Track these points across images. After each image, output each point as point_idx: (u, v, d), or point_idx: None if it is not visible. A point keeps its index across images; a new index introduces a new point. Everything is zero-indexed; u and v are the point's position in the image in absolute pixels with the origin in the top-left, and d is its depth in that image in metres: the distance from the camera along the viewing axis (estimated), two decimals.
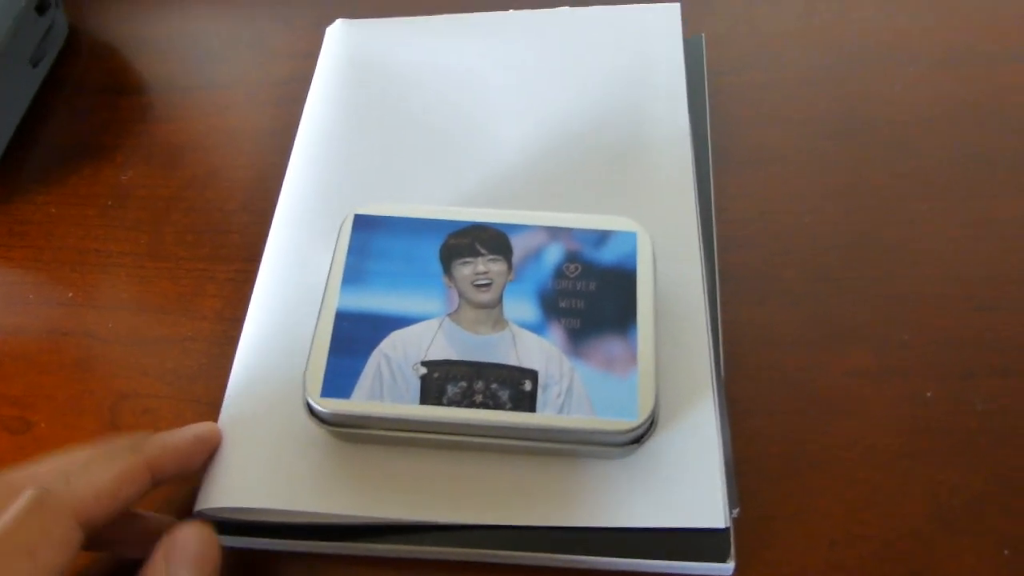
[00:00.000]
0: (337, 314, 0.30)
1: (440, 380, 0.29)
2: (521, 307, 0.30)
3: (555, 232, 0.32)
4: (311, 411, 0.29)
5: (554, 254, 0.31)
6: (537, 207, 0.33)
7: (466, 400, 0.28)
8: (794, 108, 0.42)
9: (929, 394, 0.33)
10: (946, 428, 0.32)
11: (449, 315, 0.30)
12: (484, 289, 0.31)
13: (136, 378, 0.37)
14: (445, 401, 0.28)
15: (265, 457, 0.31)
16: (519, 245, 0.32)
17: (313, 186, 0.39)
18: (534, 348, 0.29)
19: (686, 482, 0.29)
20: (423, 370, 0.29)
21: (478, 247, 0.32)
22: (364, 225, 0.32)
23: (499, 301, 0.30)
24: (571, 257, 0.31)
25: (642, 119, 0.39)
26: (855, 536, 0.30)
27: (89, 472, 0.27)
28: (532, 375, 0.29)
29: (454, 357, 0.29)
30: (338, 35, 0.45)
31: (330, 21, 0.49)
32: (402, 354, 0.29)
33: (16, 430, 0.36)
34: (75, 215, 0.43)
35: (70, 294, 0.40)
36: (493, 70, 0.42)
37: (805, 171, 0.39)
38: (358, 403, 0.29)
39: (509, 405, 0.28)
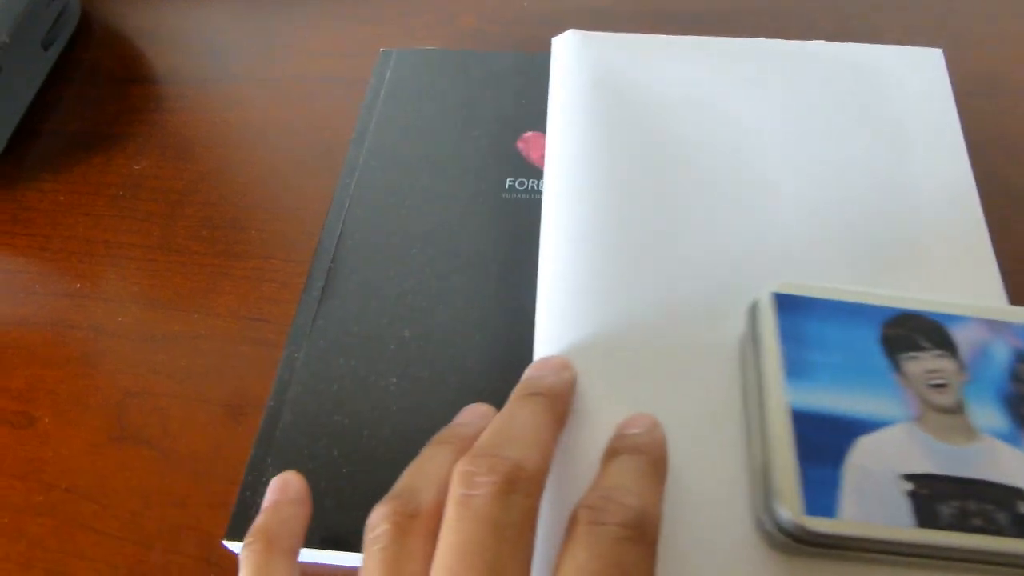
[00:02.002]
0: (794, 414, 0.26)
1: (930, 499, 0.25)
2: (987, 413, 0.27)
3: (994, 325, 0.28)
4: (782, 528, 0.25)
5: (1000, 351, 0.28)
6: (821, 277, 0.30)
7: (964, 523, 0.25)
8: None
9: None
10: None
11: (915, 420, 0.27)
12: (941, 391, 0.27)
13: (144, 375, 0.36)
14: (942, 524, 0.25)
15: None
16: (960, 339, 0.28)
17: (586, 224, 0.34)
18: (1015, 463, 0.26)
19: None
20: (909, 486, 0.26)
21: (919, 340, 0.28)
22: (788, 307, 0.28)
23: (961, 405, 0.27)
24: (1020, 356, 0.28)
25: (923, 179, 0.35)
26: None
27: (527, 435, 0.26)
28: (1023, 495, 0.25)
29: (933, 471, 0.26)
30: (572, 48, 0.39)
31: (350, 19, 0.48)
32: (879, 466, 0.26)
33: (19, 425, 0.34)
34: (84, 204, 0.42)
35: (77, 285, 0.39)
36: (747, 105, 0.37)
37: None
38: (851, 523, 0.25)
39: (1011, 531, 0.25)
